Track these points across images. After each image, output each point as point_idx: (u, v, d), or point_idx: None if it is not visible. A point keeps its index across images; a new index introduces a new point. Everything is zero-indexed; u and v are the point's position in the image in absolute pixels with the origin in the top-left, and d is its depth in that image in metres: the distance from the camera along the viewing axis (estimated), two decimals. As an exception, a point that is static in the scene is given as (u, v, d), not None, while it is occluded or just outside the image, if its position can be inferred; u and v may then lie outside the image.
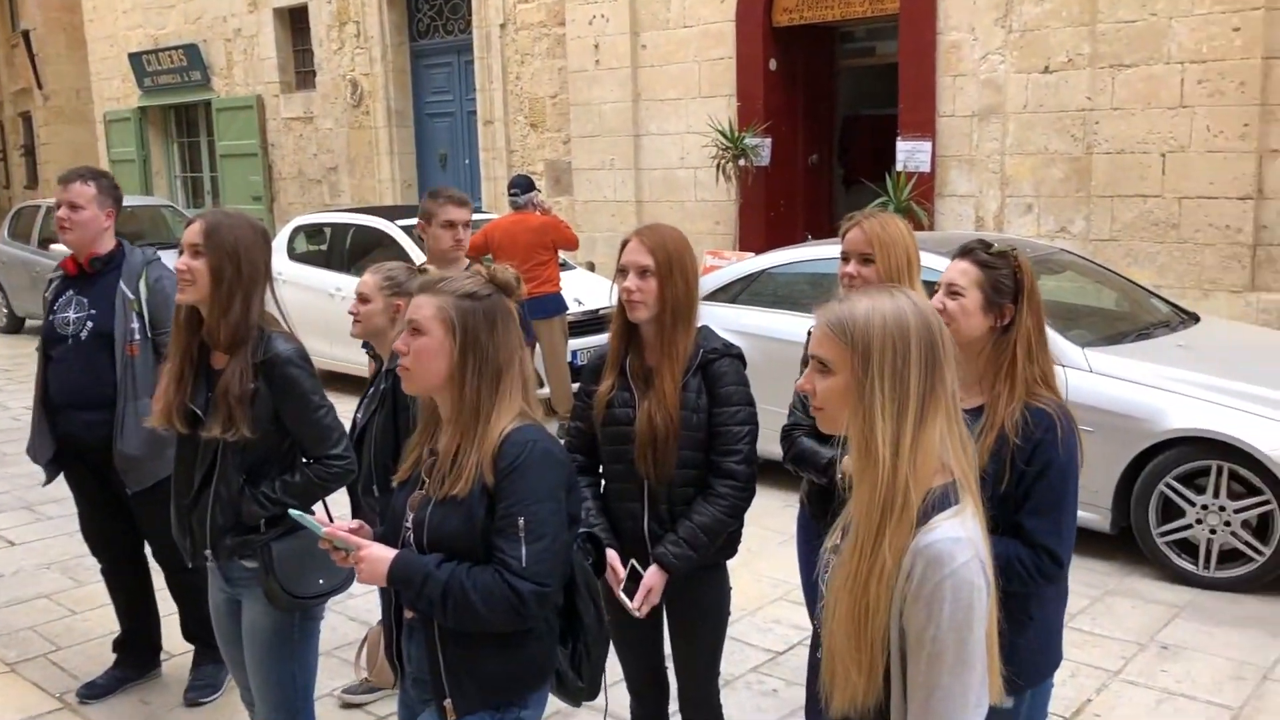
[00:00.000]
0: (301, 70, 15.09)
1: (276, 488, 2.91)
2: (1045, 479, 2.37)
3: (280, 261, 10.01)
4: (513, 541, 2.17)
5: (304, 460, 2.99)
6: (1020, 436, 2.37)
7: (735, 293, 7.05)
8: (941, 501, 1.71)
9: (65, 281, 4.02)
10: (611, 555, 2.88)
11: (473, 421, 2.23)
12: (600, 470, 3.04)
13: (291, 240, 10.35)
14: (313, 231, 10.53)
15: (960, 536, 1.68)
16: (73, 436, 3.97)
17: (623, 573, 2.89)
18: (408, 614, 2.34)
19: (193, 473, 2.92)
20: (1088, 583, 5.16)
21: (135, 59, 17.01)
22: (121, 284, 3.91)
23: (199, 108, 16.87)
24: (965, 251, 2.54)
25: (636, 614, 2.86)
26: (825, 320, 1.79)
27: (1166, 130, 7.84)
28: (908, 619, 1.68)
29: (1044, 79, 8.45)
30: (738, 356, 2.96)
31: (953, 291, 2.49)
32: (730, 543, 3.01)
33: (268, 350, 2.86)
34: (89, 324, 3.91)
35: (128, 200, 4.48)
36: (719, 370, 2.92)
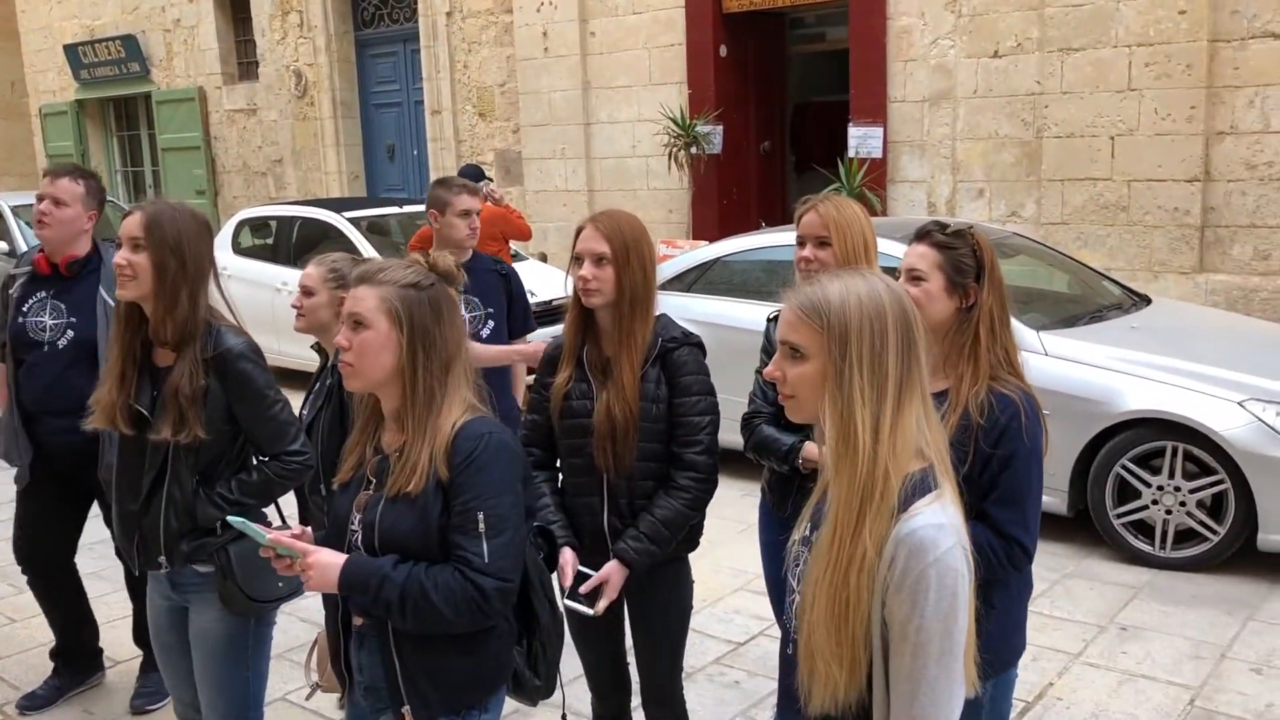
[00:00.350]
0: (244, 61, 14.78)
1: (233, 487, 2.80)
2: (1011, 469, 2.34)
3: (225, 256, 9.80)
4: (473, 538, 2.09)
5: (260, 458, 2.88)
6: (985, 418, 2.33)
7: (690, 281, 7.01)
8: (920, 487, 1.66)
9: (35, 282, 3.84)
10: (566, 557, 2.81)
11: (424, 415, 2.15)
12: (558, 464, 2.96)
13: (236, 234, 10.13)
14: (258, 225, 10.32)
15: (942, 523, 1.63)
16: (48, 444, 3.84)
17: (569, 580, 2.81)
18: (357, 621, 2.25)
19: (140, 477, 2.79)
20: (1047, 566, 5.16)
21: (71, 50, 16.57)
22: (101, 290, 3.78)
23: (139, 100, 16.48)
24: (922, 235, 2.49)
25: (590, 613, 2.78)
26: (797, 304, 1.72)
27: (1115, 113, 7.89)
28: (890, 610, 1.62)
29: (994, 63, 8.47)
30: (698, 345, 2.90)
31: (914, 277, 2.44)
32: (691, 536, 2.95)
33: (217, 345, 2.74)
34: (69, 332, 3.78)
35: None
36: (679, 359, 2.85)
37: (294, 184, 14.04)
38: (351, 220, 9.19)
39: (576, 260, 2.79)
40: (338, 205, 9.73)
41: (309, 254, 9.45)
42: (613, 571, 2.80)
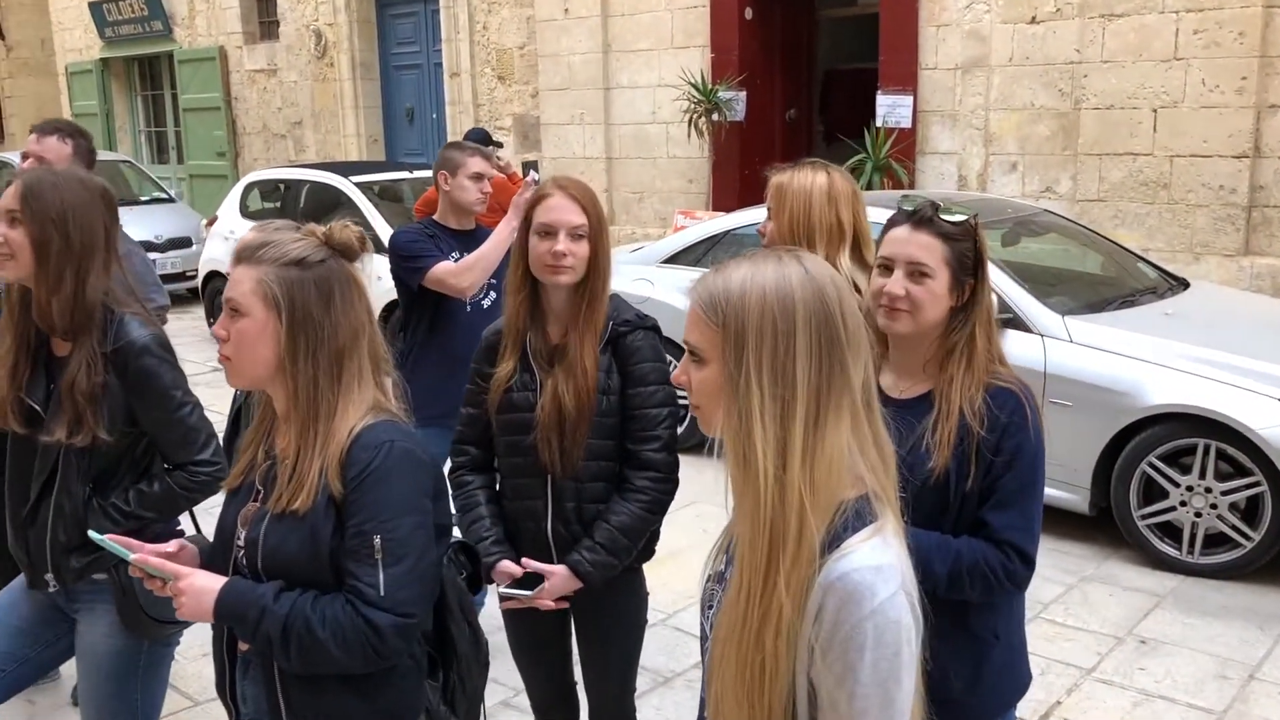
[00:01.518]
0: (265, 20, 14.52)
1: (130, 499, 2.49)
2: (1014, 468, 2.03)
3: (233, 219, 9.61)
4: (367, 565, 1.80)
5: (165, 466, 2.56)
6: (985, 426, 2.01)
7: (699, 254, 6.69)
8: (856, 519, 1.35)
9: None
10: (504, 568, 2.52)
11: (311, 419, 1.85)
12: (496, 465, 2.65)
13: (244, 197, 9.93)
14: (268, 189, 10.10)
15: (881, 564, 1.32)
16: None
17: (505, 584, 2.53)
18: (242, 646, 1.97)
19: (29, 481, 2.49)
20: (1063, 568, 4.83)
21: (95, 8, 16.39)
22: None
23: (162, 59, 16.28)
24: (922, 221, 2.09)
25: (528, 595, 2.49)
26: (696, 295, 1.41)
27: (1159, 84, 7.41)
28: (818, 674, 1.32)
29: (1030, 30, 8.00)
30: (653, 329, 2.60)
31: (920, 273, 2.07)
32: (648, 543, 2.65)
33: (120, 337, 2.42)
34: None
35: None
36: (632, 345, 2.56)
37: (313, 147, 13.81)
38: (360, 185, 8.93)
39: (545, 233, 2.48)
40: (346, 169, 9.46)
41: (320, 219, 9.22)
42: (561, 573, 2.51)
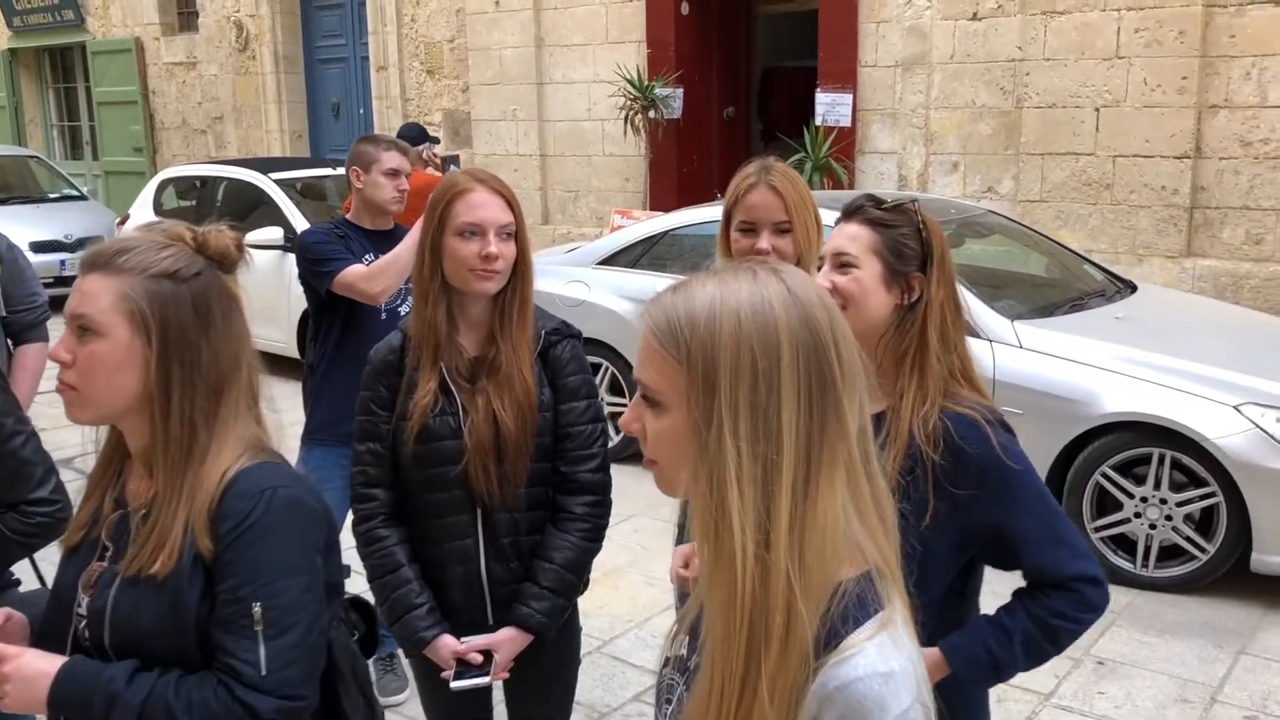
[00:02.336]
0: (184, 11, 13.95)
1: None
2: (1018, 506, 1.79)
3: (147, 218, 9.12)
4: (245, 638, 1.50)
5: None
6: (941, 452, 1.75)
7: (636, 256, 6.43)
8: (859, 606, 1.08)
9: None
10: (444, 647, 2.22)
11: (180, 462, 1.54)
12: (407, 510, 2.32)
13: (159, 195, 9.45)
14: (184, 186, 9.62)
15: (892, 670, 1.05)
16: None
17: (452, 667, 2.23)
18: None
19: None
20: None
21: (3, -4, 15.69)
22: None
23: (75, 51, 15.60)
24: (852, 210, 1.90)
25: (485, 683, 2.23)
26: (651, 322, 1.12)
27: (1101, 83, 7.30)
28: None
29: (972, 26, 7.85)
30: (577, 337, 2.36)
31: (843, 263, 1.85)
32: None
33: None
34: None
35: None
36: (562, 356, 2.30)
37: (235, 143, 13.29)
38: (281, 182, 8.51)
39: (471, 233, 2.19)
40: (266, 166, 9.02)
41: (238, 219, 8.81)
42: (509, 638, 2.24)
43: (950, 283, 1.87)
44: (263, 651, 1.49)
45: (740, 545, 1.04)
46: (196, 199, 9.30)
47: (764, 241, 2.32)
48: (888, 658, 1.05)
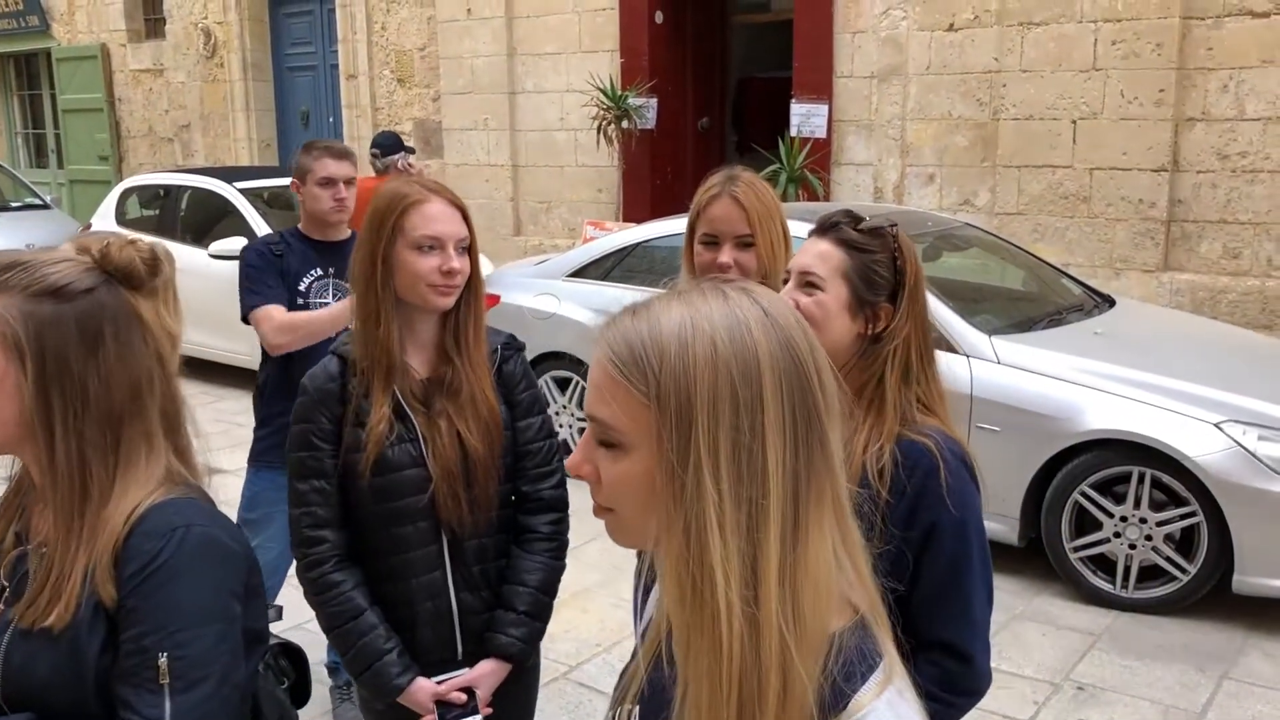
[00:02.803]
0: (151, 18, 13.72)
1: None
2: (932, 550, 1.64)
3: (109, 228, 8.91)
4: (148, 693, 1.35)
5: None
6: (891, 489, 1.62)
7: (608, 268, 6.30)
8: (860, 659, 0.96)
9: None
10: (423, 689, 2.09)
11: (75, 502, 1.39)
12: (360, 549, 2.17)
13: (122, 204, 9.24)
14: (148, 195, 9.42)
15: None
16: None
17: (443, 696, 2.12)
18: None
19: None
20: (994, 604, 4.51)
21: (-33, 1, 15.41)
22: None
23: (40, 57, 15.34)
24: (827, 227, 1.78)
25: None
26: (609, 350, 0.98)
27: (1078, 95, 7.24)
28: None
29: (948, 38, 7.78)
30: (523, 350, 2.29)
31: (808, 282, 1.72)
32: None
33: None
34: None
35: None
36: (515, 372, 2.22)
37: (202, 151, 13.07)
38: (246, 192, 8.32)
39: (430, 247, 2.05)
40: (231, 175, 8.84)
41: (202, 229, 8.62)
42: (489, 671, 2.15)
43: (920, 316, 1.75)
44: (168, 707, 1.34)
45: (725, 602, 0.91)
46: (160, 208, 9.10)
47: (725, 255, 2.21)
48: (900, 714, 0.95)
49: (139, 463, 1.42)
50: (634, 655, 1.15)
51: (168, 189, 9.07)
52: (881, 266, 1.71)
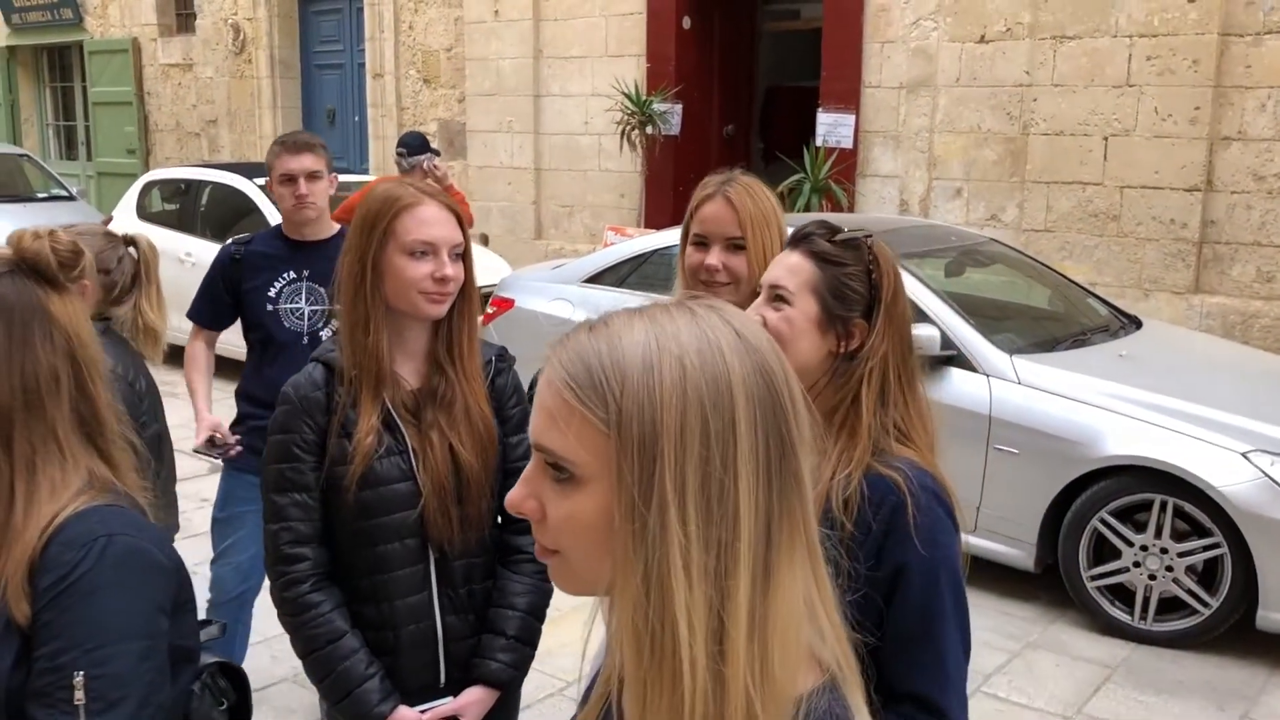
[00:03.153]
0: (182, 12, 13.79)
1: None
2: (900, 593, 1.52)
3: (130, 221, 8.90)
4: (62, 714, 1.27)
5: None
6: (856, 523, 1.50)
7: (624, 274, 6.18)
8: None
9: None
10: (406, 718, 1.99)
11: None
12: (340, 567, 2.07)
13: (143, 197, 9.24)
14: (169, 189, 9.41)
15: None
16: None
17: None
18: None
19: None
20: (1006, 632, 4.38)
21: (3, -7, 15.56)
22: None
23: (72, 49, 15.44)
24: (799, 238, 1.68)
25: None
26: (563, 371, 0.88)
27: (1110, 111, 7.08)
28: None
29: (979, 49, 7.64)
30: (514, 363, 2.19)
31: (777, 296, 1.62)
32: None
33: None
34: None
35: None
36: (506, 386, 2.13)
37: (228, 147, 13.10)
38: (263, 187, 8.29)
39: (424, 252, 1.96)
40: (252, 170, 8.80)
41: (223, 224, 8.59)
42: (477, 699, 2.05)
43: (900, 334, 1.63)
44: None
45: (689, 657, 0.81)
46: (181, 203, 9.09)
47: (713, 257, 2.11)
48: None
49: (49, 468, 1.34)
50: (580, 708, 1.05)
51: (189, 183, 9.06)
52: (854, 280, 1.61)
